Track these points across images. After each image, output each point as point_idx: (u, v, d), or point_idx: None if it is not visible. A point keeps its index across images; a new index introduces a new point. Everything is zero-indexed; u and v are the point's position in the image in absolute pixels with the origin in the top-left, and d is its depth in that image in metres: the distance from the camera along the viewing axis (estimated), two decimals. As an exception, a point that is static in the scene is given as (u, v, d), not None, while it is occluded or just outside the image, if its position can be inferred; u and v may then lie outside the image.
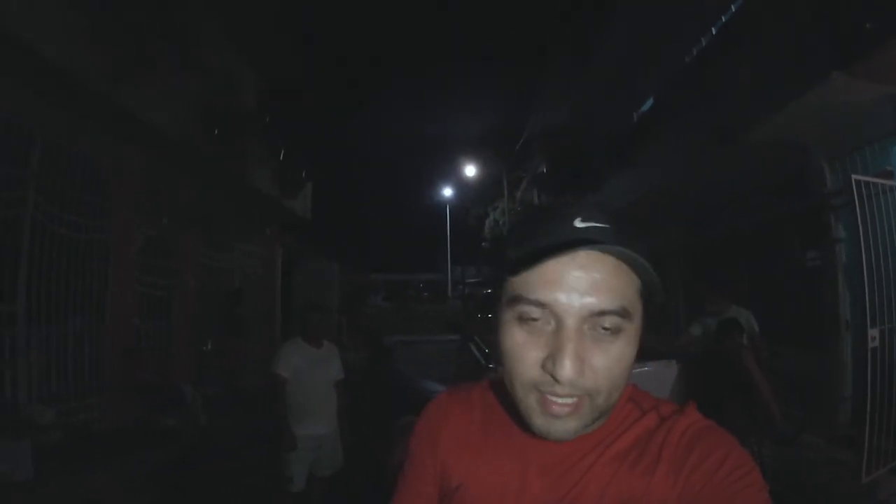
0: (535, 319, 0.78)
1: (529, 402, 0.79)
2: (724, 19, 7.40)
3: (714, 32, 7.74)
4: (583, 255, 0.76)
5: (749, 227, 8.52)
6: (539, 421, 0.79)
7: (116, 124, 5.99)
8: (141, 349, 6.67)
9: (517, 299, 0.79)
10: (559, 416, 0.77)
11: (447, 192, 32.04)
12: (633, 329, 0.79)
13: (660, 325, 10.95)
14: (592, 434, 0.85)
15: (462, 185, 27.26)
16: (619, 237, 0.77)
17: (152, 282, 7.34)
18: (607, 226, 0.78)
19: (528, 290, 0.78)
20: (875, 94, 4.96)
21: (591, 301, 0.75)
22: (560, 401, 0.77)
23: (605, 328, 0.76)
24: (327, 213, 13.61)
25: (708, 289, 6.01)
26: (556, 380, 0.75)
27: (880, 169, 5.30)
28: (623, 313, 0.76)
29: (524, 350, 0.78)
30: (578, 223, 0.78)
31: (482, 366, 5.29)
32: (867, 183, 4.81)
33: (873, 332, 4.61)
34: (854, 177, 4.81)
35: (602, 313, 0.75)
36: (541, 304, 0.77)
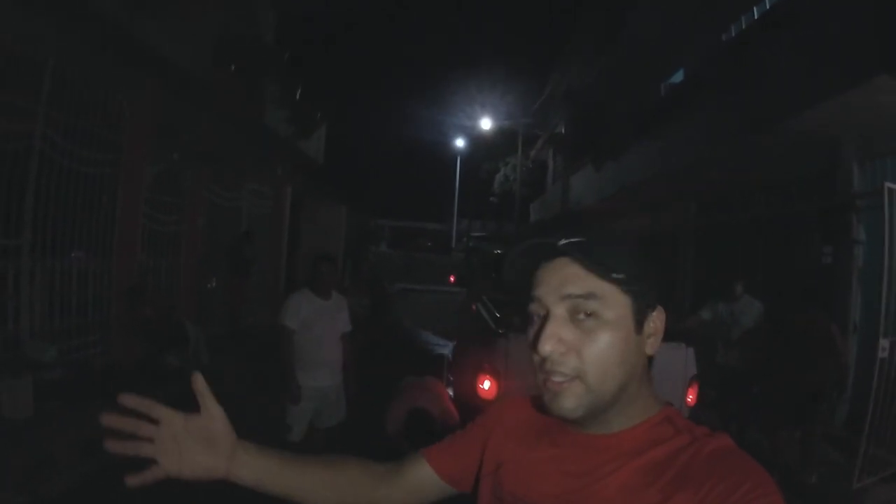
0: (538, 316, 0.95)
1: (540, 382, 0.94)
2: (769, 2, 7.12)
3: (757, 14, 7.44)
4: (558, 261, 0.95)
5: (768, 216, 8.39)
6: (546, 397, 0.93)
7: (131, 57, 5.80)
8: (146, 286, 6.62)
9: (528, 301, 0.98)
10: (556, 393, 0.91)
11: (460, 143, 31.52)
12: (612, 315, 0.91)
13: (667, 306, 10.91)
14: (625, 441, 0.94)
15: (476, 137, 26.88)
16: (578, 247, 0.92)
17: (160, 218, 7.26)
18: (582, 240, 0.94)
19: (531, 292, 0.98)
20: (918, 102, 4.78)
21: (562, 288, 0.92)
22: (554, 378, 0.91)
23: (586, 314, 0.90)
24: (339, 156, 13.41)
25: (723, 275, 6.03)
26: (541, 357, 0.91)
27: (914, 178, 5.13)
28: (591, 296, 0.90)
29: (532, 339, 0.95)
30: (561, 242, 0.94)
31: (492, 330, 5.11)
32: (900, 191, 4.67)
33: (884, 343, 4.58)
34: (887, 185, 4.68)
35: (571, 296, 0.91)
36: (536, 299, 0.96)
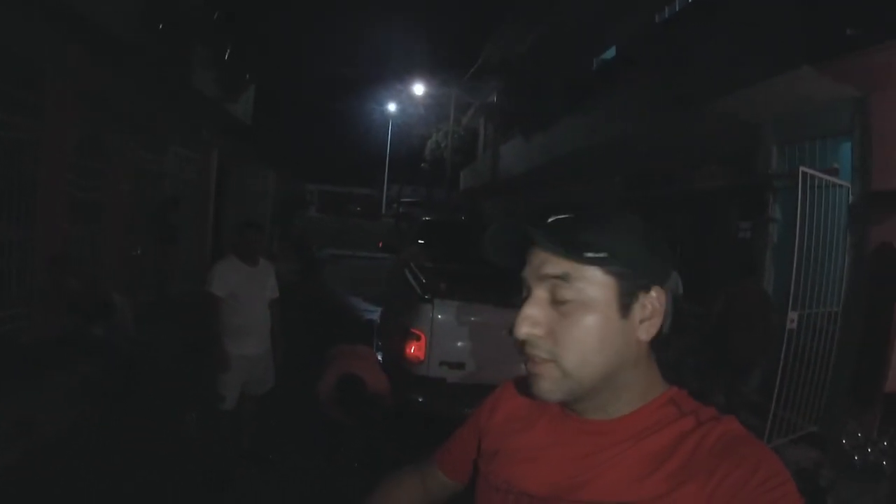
0: (524, 299, 0.92)
1: (524, 364, 0.91)
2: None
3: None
4: (538, 246, 0.90)
5: (690, 190, 8.77)
6: (528, 379, 0.92)
7: (53, 17, 5.44)
8: (70, 256, 6.34)
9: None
10: (534, 375, 0.89)
11: (392, 107, 31.04)
12: (589, 296, 0.86)
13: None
14: (625, 426, 0.90)
15: (408, 103, 26.55)
16: (562, 226, 0.91)
17: (84, 185, 6.91)
18: (566, 216, 0.93)
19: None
20: (838, 95, 5.11)
21: (540, 269, 0.89)
22: (530, 360, 0.89)
23: (565, 296, 0.87)
24: (268, 118, 13.04)
25: None
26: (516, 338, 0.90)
27: (827, 164, 5.51)
28: (566, 277, 0.86)
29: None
30: (549, 220, 0.94)
31: (418, 295, 5.15)
32: (813, 176, 4.98)
33: (793, 315, 4.89)
34: (802, 168, 4.97)
35: (547, 276, 0.88)
36: (522, 279, 0.93)
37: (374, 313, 10.10)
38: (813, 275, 4.95)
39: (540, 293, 0.89)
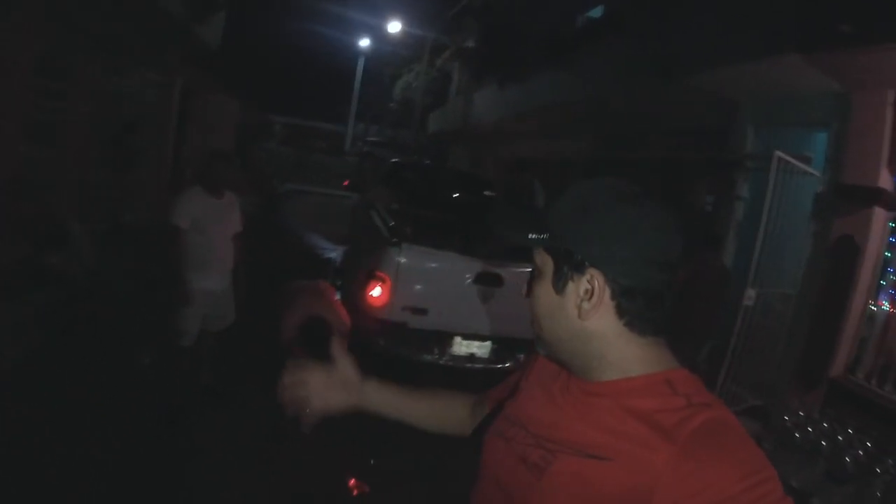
0: None
1: None
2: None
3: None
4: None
5: (661, 158, 8.83)
6: None
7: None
8: (25, 180, 6.07)
9: None
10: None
11: (364, 42, 30.00)
12: (542, 273, 0.98)
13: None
14: (610, 389, 0.93)
15: (382, 39, 25.71)
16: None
17: (41, 106, 6.56)
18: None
19: None
20: (821, 86, 5.16)
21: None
22: None
23: (535, 270, 1.01)
24: (236, 45, 12.53)
25: None
26: None
27: (799, 151, 5.58)
28: (532, 252, 1.00)
29: None
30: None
31: (384, 238, 5.12)
32: (788, 161, 5.06)
33: (751, 292, 5.05)
34: (778, 153, 5.05)
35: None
36: None
37: (334, 251, 10.07)
38: (774, 256, 5.08)
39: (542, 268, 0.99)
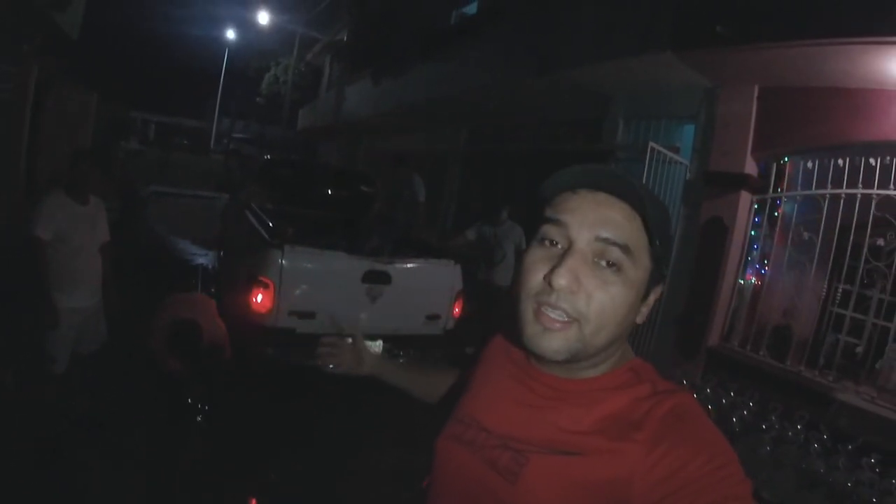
0: (553, 243, 0.89)
1: (527, 311, 0.88)
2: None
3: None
4: (602, 196, 0.88)
5: (535, 150, 9.18)
6: (530, 330, 0.88)
7: None
8: None
9: (543, 220, 0.91)
10: (547, 329, 0.86)
11: (230, 34, 28.66)
12: (634, 274, 0.87)
13: (432, 225, 11.61)
14: (585, 387, 0.93)
15: (249, 30, 24.72)
16: (636, 191, 0.87)
17: None
18: (629, 180, 0.88)
19: (553, 212, 0.91)
20: (690, 82, 5.58)
21: (599, 229, 0.86)
22: (552, 314, 0.86)
23: (609, 263, 0.86)
24: (95, 35, 11.62)
25: (489, 200, 6.43)
26: (551, 287, 0.85)
27: (668, 142, 6.05)
28: (625, 249, 0.86)
29: (536, 265, 0.89)
30: (617, 171, 0.89)
31: (265, 241, 4.87)
32: (660, 151, 5.44)
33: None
34: (651, 144, 5.43)
35: (606, 241, 0.86)
36: (559, 224, 0.89)
37: (204, 257, 9.59)
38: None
39: (585, 248, 0.87)
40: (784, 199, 5.14)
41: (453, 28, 10.85)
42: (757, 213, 5.34)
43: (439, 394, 1.44)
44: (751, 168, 5.21)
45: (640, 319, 0.92)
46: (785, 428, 3.80)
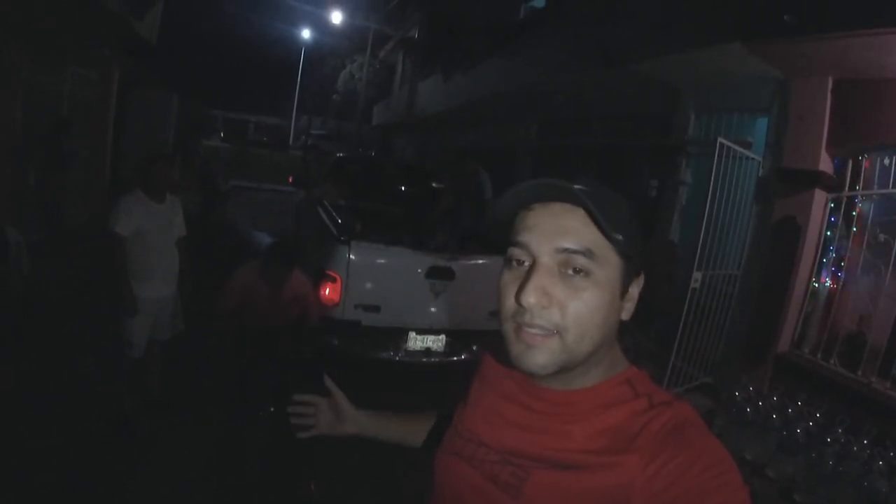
0: (519, 262, 0.89)
1: (508, 332, 0.89)
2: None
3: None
4: (556, 206, 0.88)
5: (606, 144, 8.98)
6: (514, 349, 0.88)
7: None
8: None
9: (508, 244, 0.91)
10: (530, 346, 0.86)
11: (306, 34, 29.39)
12: (603, 275, 0.86)
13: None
14: (582, 399, 0.92)
15: (323, 30, 25.28)
16: (587, 193, 0.85)
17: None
18: (578, 188, 0.85)
19: (514, 234, 0.91)
20: (762, 74, 5.33)
21: (558, 240, 0.86)
22: (531, 331, 0.85)
23: (575, 270, 0.85)
24: (174, 38, 12.16)
25: None
26: (521, 306, 0.85)
27: (740, 136, 5.78)
28: (587, 254, 0.85)
29: (507, 287, 0.89)
30: (558, 182, 0.87)
31: (333, 236, 5.00)
32: (729, 147, 5.21)
33: (697, 275, 5.19)
34: (720, 139, 5.19)
35: (566, 251, 0.85)
36: (521, 244, 0.88)
37: (282, 250, 9.86)
38: (718, 239, 5.21)
39: (549, 262, 0.86)
40: (861, 198, 4.84)
41: (521, 22, 10.75)
42: (833, 212, 5.05)
43: (422, 438, 1.42)
44: (825, 165, 4.93)
45: (625, 316, 0.93)
46: (850, 442, 3.59)
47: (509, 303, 0.88)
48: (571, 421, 0.91)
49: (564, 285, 0.85)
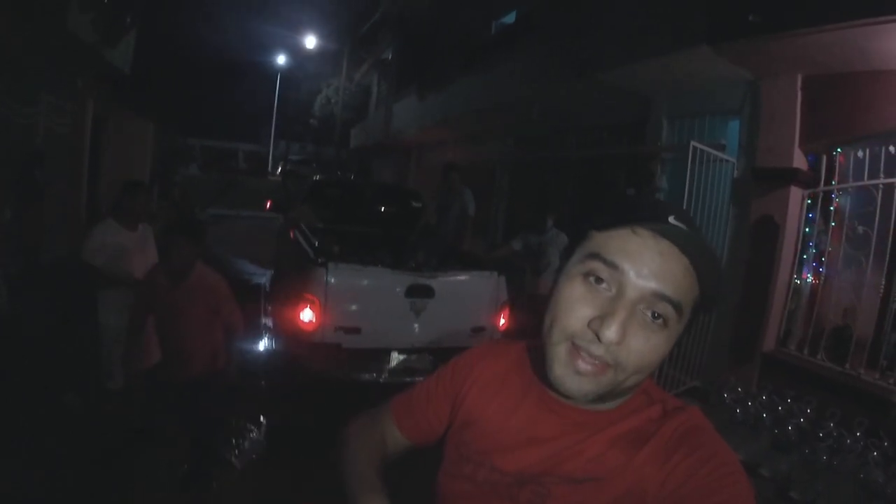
0: (599, 280, 0.83)
1: (559, 351, 0.84)
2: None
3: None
4: (665, 245, 0.81)
5: (580, 156, 9.05)
6: (560, 371, 0.84)
7: None
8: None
9: (593, 256, 0.84)
10: (580, 373, 0.82)
11: (281, 59, 29.56)
12: (677, 328, 0.83)
13: (481, 236, 11.59)
14: (606, 417, 0.92)
15: (298, 55, 25.42)
16: (699, 246, 0.81)
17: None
18: (694, 234, 0.81)
19: (607, 251, 0.83)
20: (731, 76, 5.39)
21: (656, 283, 0.80)
22: (588, 358, 0.82)
23: (655, 315, 0.81)
24: (148, 66, 12.07)
25: (535, 208, 6.39)
26: (598, 338, 0.80)
27: (714, 139, 5.82)
28: (678, 307, 0.81)
29: (579, 303, 0.83)
30: (672, 220, 0.81)
31: (311, 259, 4.94)
32: (703, 150, 5.24)
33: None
34: (693, 143, 5.22)
35: (661, 297, 0.80)
36: (613, 266, 0.82)
37: (262, 276, 9.79)
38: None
39: (636, 300, 0.81)
40: (837, 193, 4.88)
41: (493, 39, 10.86)
42: (810, 208, 5.08)
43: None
44: (800, 161, 4.97)
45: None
46: (843, 435, 3.58)
47: (574, 322, 0.83)
48: (589, 433, 0.91)
49: (640, 326, 0.81)
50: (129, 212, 3.97)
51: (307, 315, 4.64)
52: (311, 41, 20.44)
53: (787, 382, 4.56)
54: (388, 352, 4.96)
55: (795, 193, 5.03)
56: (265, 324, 6.23)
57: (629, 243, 0.82)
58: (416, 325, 4.91)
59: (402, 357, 4.98)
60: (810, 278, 5.21)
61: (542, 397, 0.97)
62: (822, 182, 4.96)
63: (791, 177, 4.96)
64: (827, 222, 5.00)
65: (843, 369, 4.45)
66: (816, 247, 5.14)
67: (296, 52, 25.47)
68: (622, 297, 0.81)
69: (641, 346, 0.81)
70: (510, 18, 10.99)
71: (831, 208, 4.98)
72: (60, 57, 8.44)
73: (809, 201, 5.07)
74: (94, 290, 3.77)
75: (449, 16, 12.88)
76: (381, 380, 4.87)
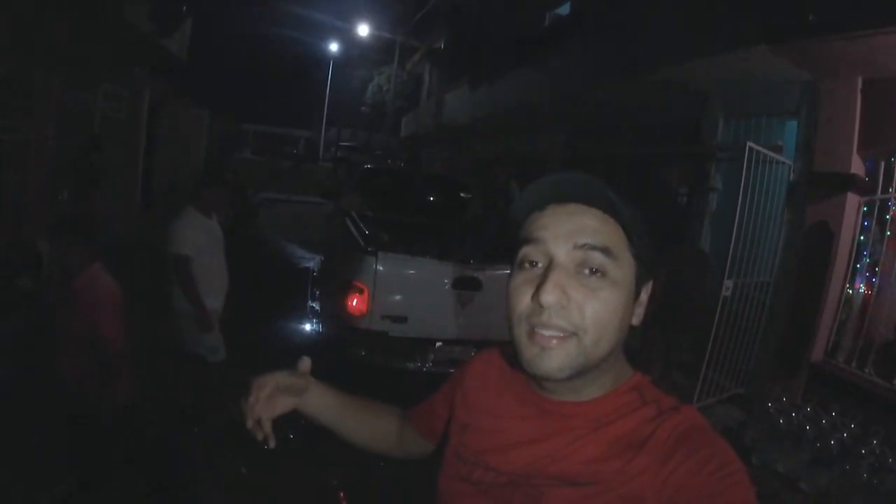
0: (532, 263, 0.88)
1: (521, 335, 0.87)
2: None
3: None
4: (572, 206, 0.88)
5: (633, 153, 8.89)
6: (527, 353, 0.86)
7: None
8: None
9: (521, 243, 0.90)
10: (546, 349, 0.84)
11: (333, 47, 29.87)
12: (619, 274, 0.85)
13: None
14: (592, 410, 0.91)
15: (351, 43, 25.62)
16: (600, 192, 0.85)
17: (4, 125, 6.43)
18: (600, 186, 0.85)
19: (528, 233, 0.89)
20: (789, 76, 5.22)
21: (575, 237, 0.85)
22: (546, 332, 0.84)
23: (591, 270, 0.84)
24: (203, 55, 12.37)
25: None
26: (541, 306, 0.83)
27: (770, 140, 5.64)
28: (606, 251, 0.84)
29: (521, 288, 0.88)
30: (580, 177, 0.87)
31: (361, 247, 5.04)
32: (759, 151, 5.09)
33: (728, 283, 5.08)
34: (749, 144, 5.08)
35: (585, 246, 0.84)
36: (536, 241, 0.87)
37: (311, 260, 9.98)
38: (749, 246, 5.10)
39: (566, 261, 0.85)
40: (894, 201, 4.70)
41: (547, 30, 10.72)
42: (866, 216, 4.90)
43: (374, 433, 1.30)
44: (857, 167, 4.80)
45: (635, 321, 0.92)
46: (885, 454, 3.47)
47: (523, 304, 0.87)
48: (581, 434, 0.90)
49: (581, 285, 0.84)
50: (210, 203, 4.07)
51: (355, 302, 4.75)
52: (363, 29, 20.55)
53: (832, 395, 4.44)
54: (433, 342, 5.01)
55: (852, 200, 4.86)
56: (312, 307, 6.34)
57: (541, 219, 0.89)
58: (461, 317, 4.98)
59: (446, 348, 5.03)
60: (862, 289, 5.03)
61: (526, 394, 0.99)
62: (880, 189, 4.78)
63: (848, 183, 4.80)
64: (882, 231, 4.82)
65: (891, 385, 4.31)
66: (870, 256, 4.96)
67: (348, 39, 25.68)
68: (552, 263, 0.85)
69: (591, 303, 0.83)
70: (564, 9, 10.83)
71: (887, 217, 4.79)
72: (118, 46, 8.71)
73: (865, 209, 4.90)
74: (187, 280, 3.87)
75: (503, 4, 12.76)
76: (424, 369, 4.93)
